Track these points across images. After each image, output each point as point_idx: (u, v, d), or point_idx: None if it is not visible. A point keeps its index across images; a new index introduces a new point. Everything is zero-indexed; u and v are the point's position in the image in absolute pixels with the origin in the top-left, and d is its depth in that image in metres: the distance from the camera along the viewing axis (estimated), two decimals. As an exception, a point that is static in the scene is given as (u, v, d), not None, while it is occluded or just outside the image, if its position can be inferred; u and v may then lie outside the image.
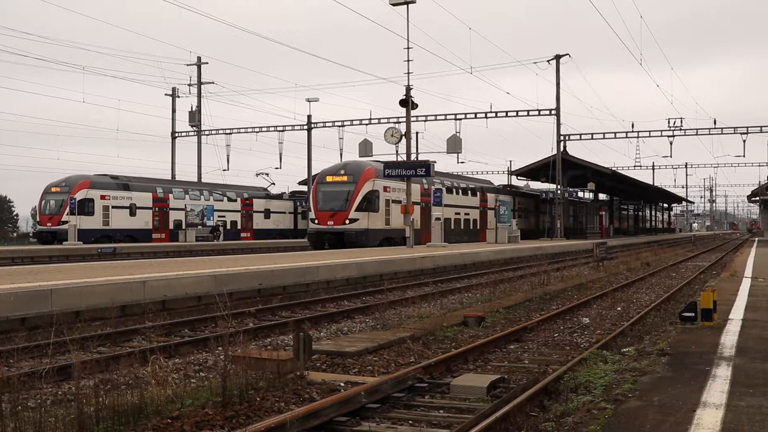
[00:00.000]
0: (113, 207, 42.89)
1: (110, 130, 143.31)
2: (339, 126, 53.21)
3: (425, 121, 48.90)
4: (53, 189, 42.62)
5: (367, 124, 50.67)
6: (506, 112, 49.65)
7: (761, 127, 49.66)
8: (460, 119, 48.55)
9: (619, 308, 15.58)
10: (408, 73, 34.62)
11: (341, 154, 53.94)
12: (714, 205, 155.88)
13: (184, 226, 46.49)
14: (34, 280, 14.09)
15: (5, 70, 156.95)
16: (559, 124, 49.11)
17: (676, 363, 7.61)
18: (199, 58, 55.02)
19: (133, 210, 44.03)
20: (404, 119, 36.45)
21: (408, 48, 34.19)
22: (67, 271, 17.73)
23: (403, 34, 52.24)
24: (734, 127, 50.70)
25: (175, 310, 14.18)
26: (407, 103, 35.00)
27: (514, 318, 13.99)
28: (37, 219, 47.16)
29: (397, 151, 41.25)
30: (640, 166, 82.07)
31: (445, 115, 48.98)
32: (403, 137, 35.60)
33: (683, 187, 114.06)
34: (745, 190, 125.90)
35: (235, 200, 52.81)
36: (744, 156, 55.08)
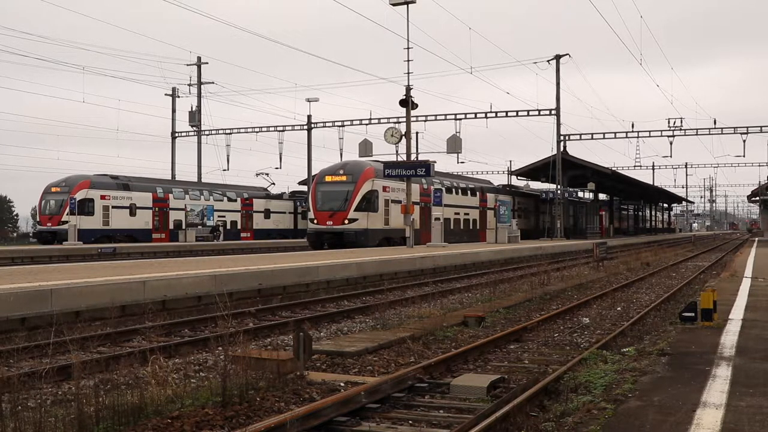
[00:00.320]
0: (113, 207, 42.88)
1: (110, 130, 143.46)
2: (339, 126, 53.23)
3: (425, 121, 48.96)
4: (53, 189, 42.62)
5: (367, 124, 50.69)
6: (506, 112, 49.66)
7: (761, 127, 49.67)
8: (460, 119, 48.60)
9: (619, 308, 15.58)
10: (408, 73, 34.65)
11: (341, 154, 53.99)
12: (714, 205, 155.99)
13: (184, 226, 46.49)
14: (34, 280, 14.09)
15: (5, 70, 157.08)
16: (559, 124, 49.17)
17: (676, 363, 7.61)
18: (199, 58, 55.04)
19: (133, 210, 44.03)
20: (404, 119, 36.45)
21: (408, 48, 34.22)
22: (67, 271, 17.73)
23: (403, 34, 52.30)
24: (734, 127, 50.72)
25: (175, 310, 14.18)
26: (407, 103, 35.00)
27: (514, 318, 13.99)
28: (37, 219, 47.17)
29: (397, 151, 41.31)
30: (640, 166, 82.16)
31: (445, 115, 49.01)
32: (403, 137, 35.59)
33: (683, 187, 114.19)
34: (745, 190, 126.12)
35: (235, 200, 52.80)
36: (744, 156, 55.12)
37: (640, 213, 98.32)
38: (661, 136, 52.40)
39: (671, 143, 52.56)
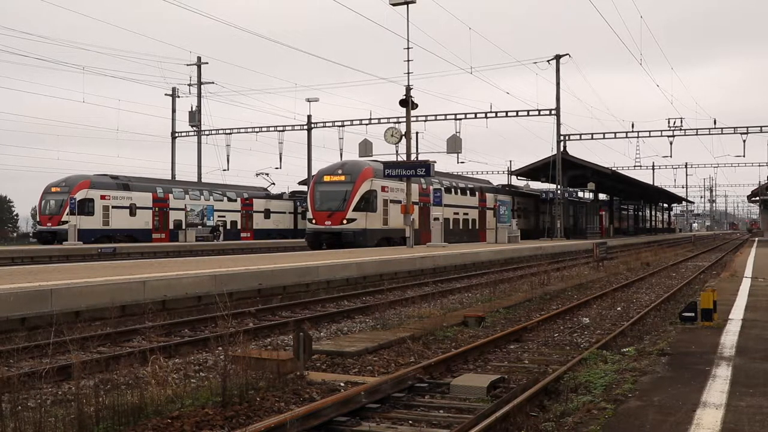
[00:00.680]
0: (113, 207, 42.89)
1: (110, 130, 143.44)
2: (339, 126, 53.24)
3: (425, 121, 48.98)
4: (53, 189, 42.62)
5: (367, 124, 50.71)
6: (506, 112, 49.68)
7: (761, 127, 49.69)
8: (460, 119, 48.62)
9: (619, 308, 15.58)
10: (408, 73, 34.64)
11: (341, 154, 54.00)
12: (714, 205, 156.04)
13: (184, 226, 46.49)
14: (34, 280, 14.09)
15: (5, 70, 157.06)
16: (559, 124, 49.18)
17: (676, 363, 7.61)
18: (199, 58, 55.04)
19: (133, 210, 44.03)
20: (404, 119, 36.44)
21: (408, 48, 34.21)
22: (67, 271, 17.73)
23: (403, 34, 52.31)
24: (734, 127, 50.74)
25: (175, 310, 14.18)
26: (407, 103, 34.99)
27: (514, 318, 13.99)
28: (37, 219, 47.17)
29: (397, 151, 41.30)
30: (640, 166, 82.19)
31: (445, 115, 49.04)
32: (403, 137, 35.58)
33: (683, 187, 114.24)
34: (745, 190, 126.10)
35: (235, 200, 52.80)
36: (744, 156, 55.15)
37: (640, 213, 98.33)
38: (661, 136, 52.45)
39: (671, 143, 52.65)
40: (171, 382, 7.78)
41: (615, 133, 53.91)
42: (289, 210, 57.89)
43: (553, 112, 48.82)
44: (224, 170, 55.27)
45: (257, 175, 58.14)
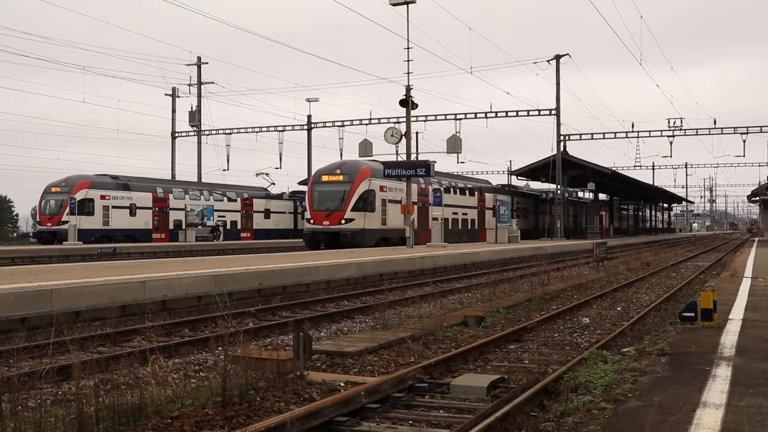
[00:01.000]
0: (113, 207, 42.89)
1: (110, 130, 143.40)
2: (339, 126, 53.25)
3: (425, 121, 48.99)
4: (53, 189, 42.62)
5: (367, 124, 50.72)
6: (506, 112, 49.69)
7: (761, 127, 49.71)
8: (460, 119, 48.63)
9: (619, 308, 15.58)
10: (408, 73, 34.65)
11: (341, 154, 54.00)
12: (714, 205, 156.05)
13: (184, 226, 46.49)
14: (34, 280, 14.09)
15: (5, 70, 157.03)
16: (559, 124, 49.19)
17: (676, 363, 7.61)
18: (199, 58, 55.04)
19: (133, 210, 44.03)
20: (404, 119, 36.44)
21: (408, 48, 34.22)
22: (67, 271, 17.73)
23: (403, 34, 52.33)
24: (734, 127, 50.76)
25: (175, 310, 14.18)
26: (407, 103, 35.00)
27: (514, 318, 13.99)
28: (37, 219, 47.17)
29: (397, 151, 41.25)
30: (640, 166, 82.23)
31: (445, 115, 49.05)
32: (403, 137, 35.57)
33: (683, 187, 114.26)
34: (745, 190, 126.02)
35: (235, 200, 52.79)
36: (744, 156, 55.18)
37: (640, 213, 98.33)
38: (661, 136, 52.48)
39: (671, 143, 52.69)
40: (171, 382, 7.78)
41: (615, 133, 53.95)
42: (289, 210, 57.88)
43: (553, 112, 48.83)
44: (224, 170, 55.35)
45: (257, 175, 58.17)
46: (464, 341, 11.23)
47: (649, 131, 53.26)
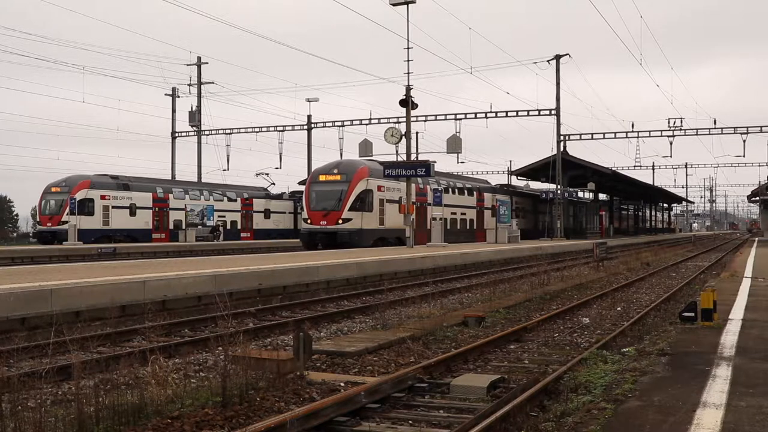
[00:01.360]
0: (113, 207, 42.90)
1: (110, 130, 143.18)
2: (339, 126, 53.26)
3: (425, 121, 48.96)
4: (53, 189, 42.63)
5: (367, 124, 50.73)
6: (506, 112, 49.69)
7: (761, 127, 49.72)
8: (460, 119, 48.63)
9: (619, 308, 15.59)
10: (408, 73, 34.63)
11: (341, 154, 53.99)
12: (714, 205, 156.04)
13: (184, 226, 46.49)
14: (34, 280, 14.09)
15: (5, 70, 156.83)
16: (559, 124, 49.19)
17: (676, 363, 7.61)
18: (199, 58, 55.04)
19: (133, 210, 44.04)
20: (404, 119, 36.43)
21: (408, 48, 34.20)
22: (67, 271, 17.73)
23: (403, 34, 52.30)
24: (734, 127, 50.77)
25: (175, 310, 14.18)
26: (407, 103, 34.99)
27: (514, 318, 13.99)
28: (37, 219, 47.19)
29: (397, 151, 41.14)
30: (640, 166, 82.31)
31: (445, 115, 49.05)
32: (403, 137, 35.56)
33: (683, 187, 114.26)
34: (745, 190, 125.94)
35: (235, 200, 52.80)
36: (744, 156, 55.17)
37: (640, 213, 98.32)
38: (661, 136, 52.49)
39: (671, 143, 52.69)
40: (171, 382, 7.78)
41: (615, 133, 53.95)
42: (289, 210, 57.88)
43: (553, 112, 48.83)
44: (224, 170, 55.35)
45: (257, 175, 58.17)
46: (464, 341, 11.23)
47: (649, 131, 53.33)
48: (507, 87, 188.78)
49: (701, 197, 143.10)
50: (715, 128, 50.98)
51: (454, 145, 38.60)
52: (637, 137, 53.54)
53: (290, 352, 8.65)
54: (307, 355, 8.63)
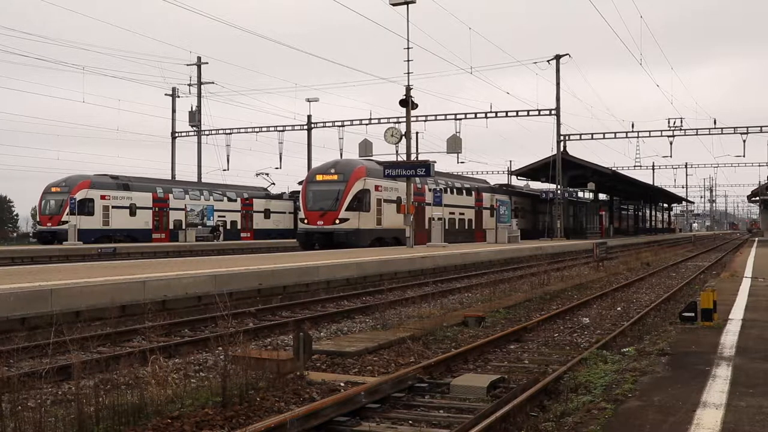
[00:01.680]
0: (113, 207, 42.90)
1: (110, 130, 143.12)
2: (339, 126, 53.26)
3: (425, 121, 48.93)
4: (53, 189, 42.63)
5: (367, 124, 50.72)
6: (506, 112, 49.69)
7: (761, 127, 49.72)
8: (460, 119, 48.62)
9: (619, 308, 15.59)
10: (408, 73, 34.62)
11: (341, 154, 53.95)
12: (714, 205, 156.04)
13: (184, 226, 46.49)
14: (34, 280, 14.09)
15: (5, 70, 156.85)
16: (559, 124, 49.20)
17: (676, 363, 7.61)
18: (199, 58, 55.03)
19: (133, 210, 44.04)
20: (404, 119, 36.42)
21: (408, 48, 34.19)
22: (67, 271, 17.73)
23: (403, 34, 52.25)
24: (734, 127, 50.77)
25: (175, 310, 14.18)
26: (407, 103, 34.99)
27: (514, 318, 13.99)
28: (37, 219, 47.19)
29: (397, 151, 41.15)
30: (640, 166, 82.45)
31: (445, 115, 49.03)
32: (403, 137, 35.55)
33: (683, 187, 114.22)
34: (745, 190, 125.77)
35: (235, 200, 52.80)
36: (744, 156, 55.20)
37: (640, 213, 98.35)
38: (661, 136, 52.49)
39: (671, 143, 52.69)
40: (171, 382, 7.78)
41: (615, 133, 53.96)
42: (289, 210, 57.85)
43: (553, 112, 48.83)
44: (224, 170, 55.35)
45: (257, 175, 58.16)
46: (464, 341, 11.23)
47: (649, 131, 53.32)
48: (507, 87, 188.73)
49: (701, 197, 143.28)
50: (715, 128, 51.00)
51: (454, 145, 38.59)
52: (637, 137, 53.61)
53: (290, 352, 8.65)
54: (307, 355, 8.63)
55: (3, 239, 64.37)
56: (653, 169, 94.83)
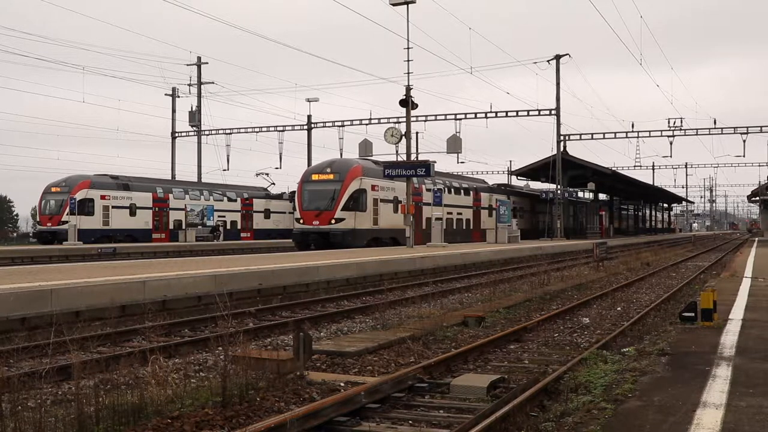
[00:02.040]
0: (113, 207, 42.90)
1: (110, 130, 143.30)
2: (339, 126, 53.25)
3: (425, 121, 48.91)
4: (53, 189, 42.64)
5: (367, 124, 50.71)
6: (506, 112, 49.68)
7: (761, 127, 49.72)
8: (460, 119, 48.60)
9: (619, 308, 15.58)
10: (408, 73, 34.62)
11: (341, 154, 53.91)
12: (714, 205, 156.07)
13: (184, 226, 46.49)
14: (34, 280, 14.09)
15: (5, 70, 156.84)
16: (559, 124, 49.19)
17: (676, 363, 7.61)
18: (199, 58, 55.02)
19: (133, 210, 44.04)
20: (404, 119, 36.41)
21: (408, 48, 34.19)
22: (67, 271, 17.73)
23: (403, 34, 52.24)
24: (734, 127, 50.76)
25: (175, 310, 14.18)
26: (407, 103, 34.98)
27: (514, 318, 13.99)
28: (37, 219, 47.20)
29: (397, 151, 41.16)
30: (640, 166, 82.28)
31: (445, 115, 49.01)
32: (403, 137, 35.55)
33: (683, 187, 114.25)
34: (745, 190, 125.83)
35: (235, 200, 52.80)
36: (744, 156, 55.17)
37: (640, 213, 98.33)
38: (661, 136, 52.49)
39: (671, 143, 52.69)
40: (171, 382, 7.78)
41: (615, 133, 53.96)
42: (289, 210, 57.69)
43: (553, 112, 48.83)
44: (224, 170, 55.31)
45: (257, 175, 58.10)
46: (464, 341, 11.23)
47: (649, 131, 53.32)
48: (507, 87, 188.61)
49: (701, 197, 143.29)
50: (715, 128, 51.00)
51: (454, 145, 38.57)
52: (637, 137, 53.60)
53: (290, 352, 8.65)
54: (307, 355, 8.63)
55: (3, 239, 64.38)
56: (653, 169, 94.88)
